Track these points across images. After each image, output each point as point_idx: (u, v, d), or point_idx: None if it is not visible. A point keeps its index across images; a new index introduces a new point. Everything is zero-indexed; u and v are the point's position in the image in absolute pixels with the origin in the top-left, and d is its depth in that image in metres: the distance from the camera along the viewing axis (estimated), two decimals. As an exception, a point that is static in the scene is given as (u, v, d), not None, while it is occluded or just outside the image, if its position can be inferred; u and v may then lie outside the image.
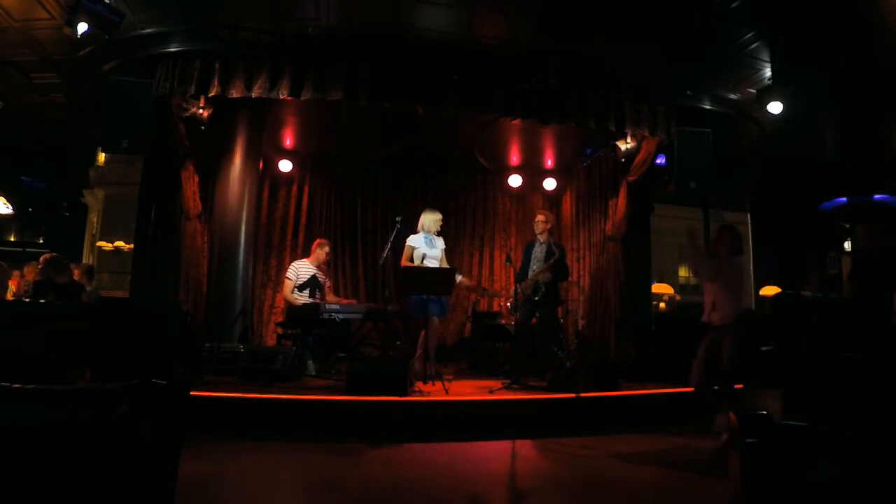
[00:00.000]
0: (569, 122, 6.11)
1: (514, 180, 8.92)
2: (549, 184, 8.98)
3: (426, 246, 5.89)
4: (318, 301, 6.22)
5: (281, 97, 5.50)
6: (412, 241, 5.95)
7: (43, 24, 5.35)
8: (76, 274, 6.72)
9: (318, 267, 6.51)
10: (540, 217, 6.23)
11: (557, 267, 5.99)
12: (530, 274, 6.05)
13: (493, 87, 5.85)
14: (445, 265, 6.02)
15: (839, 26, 5.17)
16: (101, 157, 14.33)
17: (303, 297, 6.28)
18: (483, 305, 8.44)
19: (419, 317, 5.71)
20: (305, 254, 7.23)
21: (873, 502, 1.62)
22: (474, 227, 9.08)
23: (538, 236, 6.18)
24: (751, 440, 1.71)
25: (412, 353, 5.92)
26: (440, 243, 6.05)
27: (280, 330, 6.63)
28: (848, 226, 9.76)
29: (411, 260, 5.82)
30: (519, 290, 6.06)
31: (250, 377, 5.21)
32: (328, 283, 6.77)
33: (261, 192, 7.53)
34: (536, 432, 4.58)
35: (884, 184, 8.90)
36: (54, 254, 5.62)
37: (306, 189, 8.41)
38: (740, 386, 4.56)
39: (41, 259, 5.56)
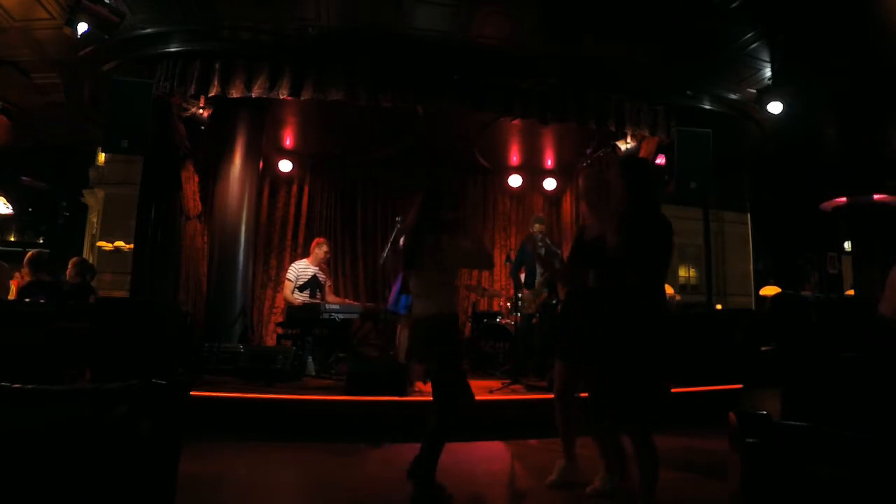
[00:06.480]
0: (569, 122, 6.11)
1: (514, 180, 8.92)
2: (549, 184, 8.97)
3: None
4: (318, 301, 6.22)
5: (281, 97, 5.50)
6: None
7: (43, 24, 5.36)
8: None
9: (319, 266, 6.50)
10: (541, 227, 6.08)
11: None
12: (538, 278, 6.00)
13: (492, 86, 5.84)
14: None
15: (839, 26, 5.17)
16: (101, 157, 14.33)
17: (303, 297, 6.28)
18: (483, 305, 8.44)
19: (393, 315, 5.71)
20: (305, 254, 7.23)
21: (873, 502, 1.62)
22: (474, 227, 9.07)
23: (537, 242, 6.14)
24: (751, 440, 1.71)
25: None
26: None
27: (280, 330, 6.62)
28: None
29: None
30: (523, 297, 6.00)
31: (250, 377, 5.21)
32: (328, 283, 6.77)
33: (261, 192, 7.53)
34: (537, 432, 4.57)
35: (884, 184, 8.90)
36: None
37: (306, 189, 8.40)
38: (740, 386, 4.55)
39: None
